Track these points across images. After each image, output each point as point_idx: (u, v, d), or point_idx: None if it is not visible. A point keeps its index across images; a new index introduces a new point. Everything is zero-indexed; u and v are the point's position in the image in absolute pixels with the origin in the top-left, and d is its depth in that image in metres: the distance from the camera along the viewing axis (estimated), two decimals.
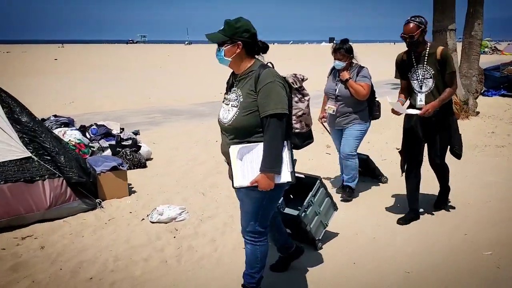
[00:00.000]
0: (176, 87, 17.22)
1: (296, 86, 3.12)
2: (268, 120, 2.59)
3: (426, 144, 4.40)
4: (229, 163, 2.76)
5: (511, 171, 6.09)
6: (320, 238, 3.88)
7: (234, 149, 2.70)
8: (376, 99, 5.07)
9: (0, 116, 4.38)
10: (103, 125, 6.42)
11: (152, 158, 6.73)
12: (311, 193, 3.79)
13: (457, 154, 4.39)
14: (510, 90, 13.16)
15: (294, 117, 3.03)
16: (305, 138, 3.17)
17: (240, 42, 2.67)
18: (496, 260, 3.62)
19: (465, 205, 4.84)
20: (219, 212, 4.70)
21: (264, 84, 2.61)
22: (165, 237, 4.11)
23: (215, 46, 2.75)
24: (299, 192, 3.97)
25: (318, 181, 3.86)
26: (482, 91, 11.98)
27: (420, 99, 4.23)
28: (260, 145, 2.66)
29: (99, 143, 6.03)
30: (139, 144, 6.46)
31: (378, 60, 27.93)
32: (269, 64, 2.77)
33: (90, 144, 5.98)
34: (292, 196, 4.20)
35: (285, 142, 2.68)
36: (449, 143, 4.34)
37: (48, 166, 4.42)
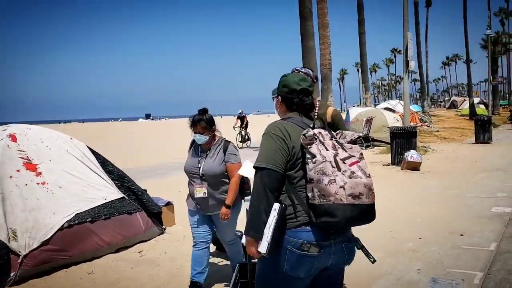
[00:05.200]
0: None
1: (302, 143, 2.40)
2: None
3: None
4: None
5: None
6: None
7: None
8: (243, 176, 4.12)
9: (98, 167, 5.86)
10: None
11: None
12: None
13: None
14: None
15: (304, 181, 2.41)
16: (321, 214, 2.33)
17: (279, 96, 2.68)
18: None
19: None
20: None
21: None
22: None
23: None
24: None
25: None
26: None
27: None
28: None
29: None
30: None
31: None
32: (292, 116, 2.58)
33: None
34: None
35: (275, 204, 2.31)
36: None
37: (136, 204, 5.96)
